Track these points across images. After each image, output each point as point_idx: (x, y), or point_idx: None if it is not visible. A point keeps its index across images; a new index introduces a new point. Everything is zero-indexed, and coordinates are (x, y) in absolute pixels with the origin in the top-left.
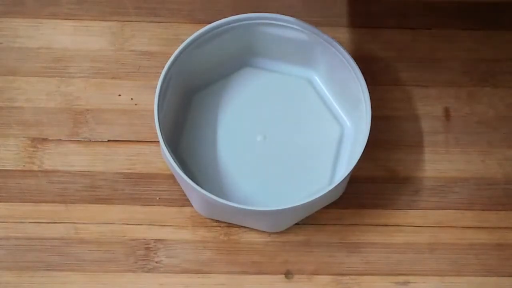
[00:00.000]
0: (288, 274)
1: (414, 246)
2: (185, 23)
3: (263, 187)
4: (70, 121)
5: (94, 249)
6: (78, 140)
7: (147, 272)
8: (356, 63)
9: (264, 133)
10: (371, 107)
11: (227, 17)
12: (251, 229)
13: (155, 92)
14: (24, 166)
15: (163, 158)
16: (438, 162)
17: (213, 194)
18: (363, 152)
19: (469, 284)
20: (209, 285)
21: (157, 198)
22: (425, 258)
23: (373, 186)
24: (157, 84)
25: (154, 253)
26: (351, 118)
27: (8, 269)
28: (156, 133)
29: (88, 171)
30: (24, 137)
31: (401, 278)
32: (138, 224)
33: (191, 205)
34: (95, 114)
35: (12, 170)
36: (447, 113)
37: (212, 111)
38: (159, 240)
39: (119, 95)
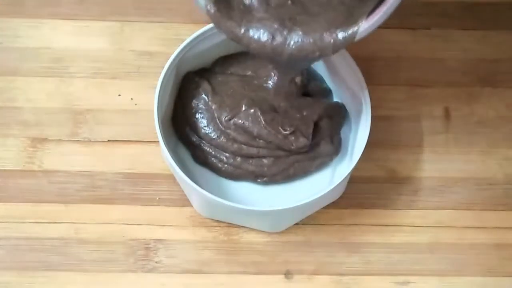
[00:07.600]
0: (288, 274)
1: (414, 246)
2: (185, 23)
3: (263, 187)
4: (70, 121)
5: (94, 249)
6: (78, 140)
7: (147, 272)
8: (356, 63)
9: None
10: (371, 107)
11: None
12: (251, 229)
13: (155, 92)
14: (24, 166)
15: (163, 158)
16: (438, 162)
17: (213, 194)
18: (363, 152)
19: (469, 284)
20: (209, 285)
21: (157, 198)
22: (425, 258)
23: (373, 186)
24: (157, 84)
25: (154, 253)
26: (351, 118)
27: (8, 269)
28: (156, 133)
29: (88, 171)
30: (24, 137)
31: (401, 278)
32: (138, 224)
33: (191, 205)
34: (95, 114)
35: (12, 170)
36: (447, 113)
37: None
38: (159, 240)
39: (119, 95)
